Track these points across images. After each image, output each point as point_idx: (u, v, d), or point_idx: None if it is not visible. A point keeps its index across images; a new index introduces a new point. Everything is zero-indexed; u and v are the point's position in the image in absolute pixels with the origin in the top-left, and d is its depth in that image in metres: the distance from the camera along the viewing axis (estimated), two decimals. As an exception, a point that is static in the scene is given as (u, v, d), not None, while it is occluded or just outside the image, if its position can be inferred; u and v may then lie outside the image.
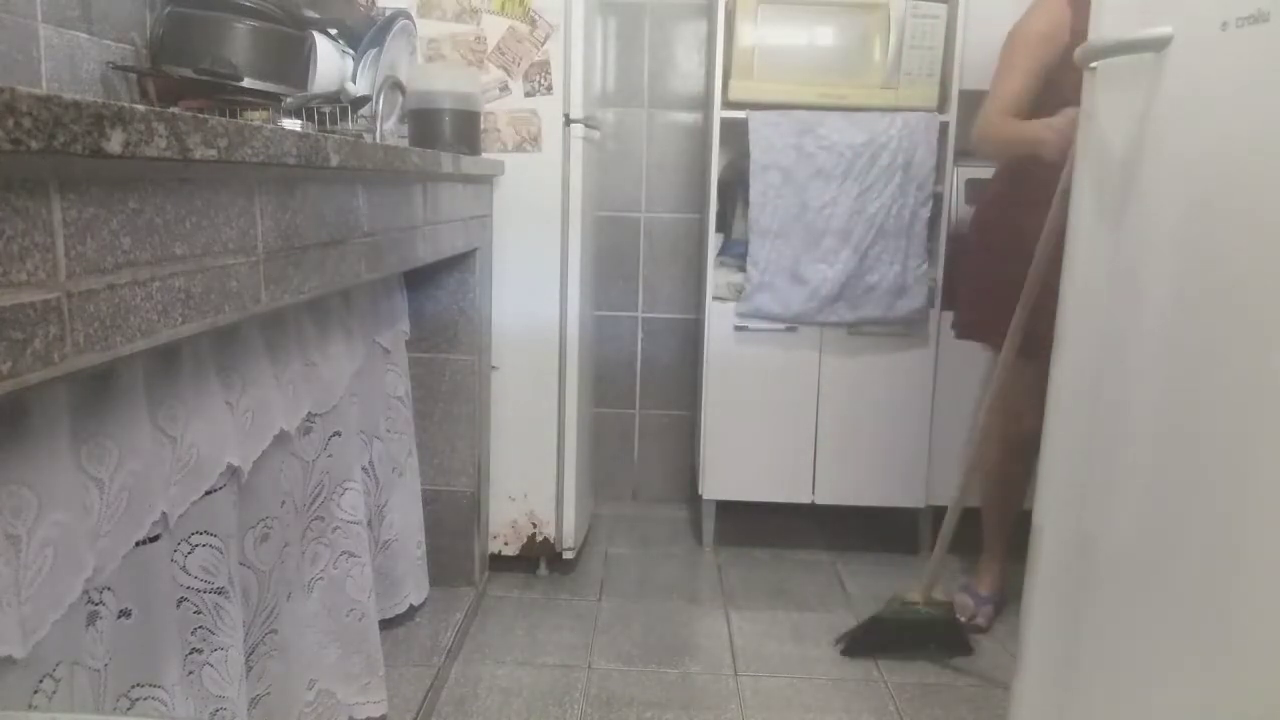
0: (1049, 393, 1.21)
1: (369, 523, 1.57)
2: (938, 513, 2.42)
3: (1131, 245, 1.02)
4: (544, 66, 2.01)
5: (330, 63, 1.61)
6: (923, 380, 2.33)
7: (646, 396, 2.77)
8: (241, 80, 1.41)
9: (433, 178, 1.52)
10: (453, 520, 2.02)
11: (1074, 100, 1.69)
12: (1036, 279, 1.68)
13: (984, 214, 2.05)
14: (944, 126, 2.25)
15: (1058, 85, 1.80)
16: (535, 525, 2.20)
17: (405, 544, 1.80)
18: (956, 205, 2.27)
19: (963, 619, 2.04)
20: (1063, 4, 1.84)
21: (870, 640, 1.92)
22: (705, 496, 2.44)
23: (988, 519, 2.13)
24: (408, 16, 1.87)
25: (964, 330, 2.12)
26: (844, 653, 1.93)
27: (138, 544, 0.88)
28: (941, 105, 2.25)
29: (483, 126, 1.97)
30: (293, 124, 1.46)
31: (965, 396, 2.34)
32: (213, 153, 0.72)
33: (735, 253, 2.39)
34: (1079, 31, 1.73)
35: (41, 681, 0.73)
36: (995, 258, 1.97)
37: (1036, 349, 1.69)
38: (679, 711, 1.70)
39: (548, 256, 2.09)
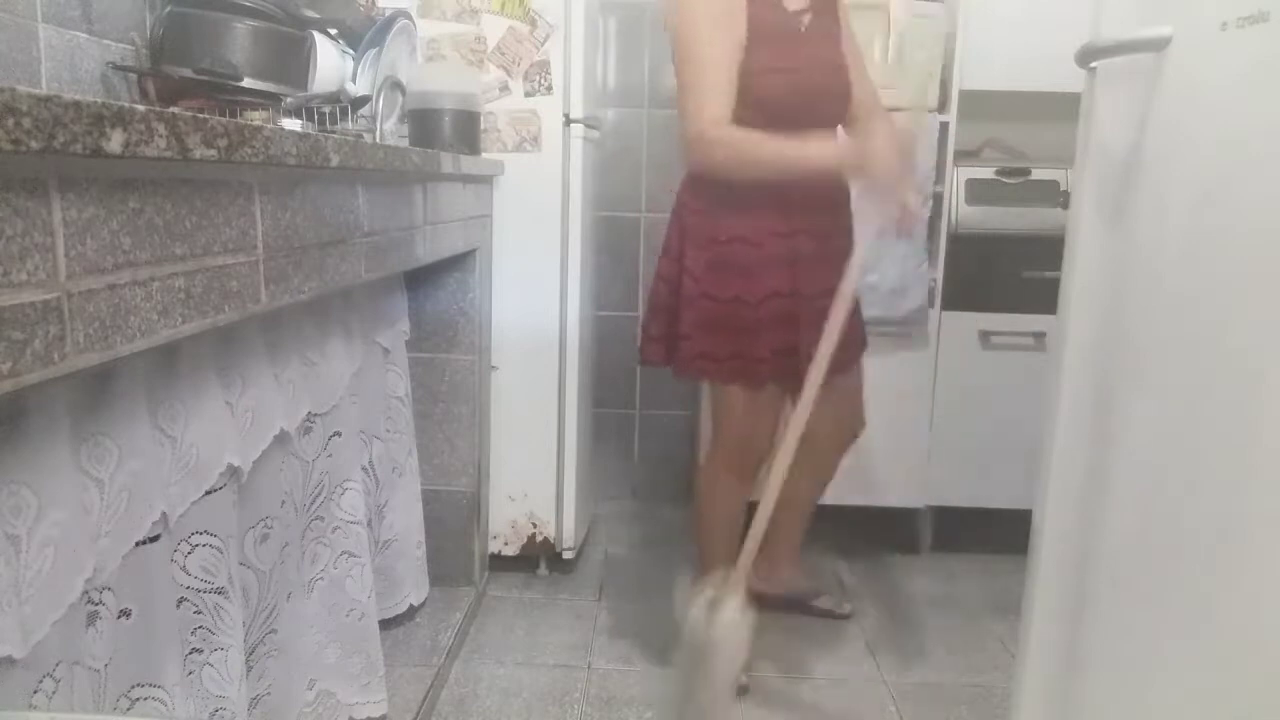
0: (1049, 392, 1.21)
1: (369, 523, 1.57)
2: (937, 513, 2.42)
3: (1131, 245, 1.02)
4: (544, 66, 2.01)
5: (330, 63, 1.61)
6: (923, 380, 2.33)
7: (646, 396, 2.77)
8: (241, 80, 1.41)
9: (433, 178, 1.52)
10: (453, 520, 2.02)
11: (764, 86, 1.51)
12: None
13: (694, 228, 1.66)
14: (944, 126, 2.25)
15: (753, 61, 1.55)
16: (535, 525, 2.20)
17: (405, 544, 1.80)
18: (956, 205, 2.27)
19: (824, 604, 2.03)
20: None
21: None
22: (705, 496, 2.44)
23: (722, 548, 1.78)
24: (408, 16, 1.87)
25: (691, 366, 1.68)
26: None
27: (138, 544, 0.88)
28: (941, 105, 2.25)
29: (483, 126, 1.97)
30: (293, 124, 1.47)
31: (966, 396, 2.33)
32: (213, 153, 0.72)
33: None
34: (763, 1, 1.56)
35: (41, 681, 0.73)
36: (718, 280, 1.63)
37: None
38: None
39: (548, 256, 2.09)
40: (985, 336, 2.31)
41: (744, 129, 1.53)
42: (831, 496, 2.38)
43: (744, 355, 1.63)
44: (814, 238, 1.63)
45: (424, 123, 1.81)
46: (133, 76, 1.45)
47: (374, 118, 1.70)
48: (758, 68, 1.55)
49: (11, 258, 0.54)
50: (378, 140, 1.69)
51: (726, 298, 1.62)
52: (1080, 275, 1.14)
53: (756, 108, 1.56)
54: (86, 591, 0.79)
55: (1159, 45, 0.95)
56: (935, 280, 2.29)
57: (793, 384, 1.61)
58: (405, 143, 1.84)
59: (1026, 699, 1.24)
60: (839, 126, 1.69)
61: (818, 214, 1.64)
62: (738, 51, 1.55)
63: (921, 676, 1.86)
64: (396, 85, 1.78)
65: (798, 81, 1.58)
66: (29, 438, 0.72)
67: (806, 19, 1.64)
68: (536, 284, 2.09)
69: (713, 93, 1.54)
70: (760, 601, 2.00)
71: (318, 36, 1.58)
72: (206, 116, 0.71)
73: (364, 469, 1.57)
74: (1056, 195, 2.25)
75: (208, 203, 0.78)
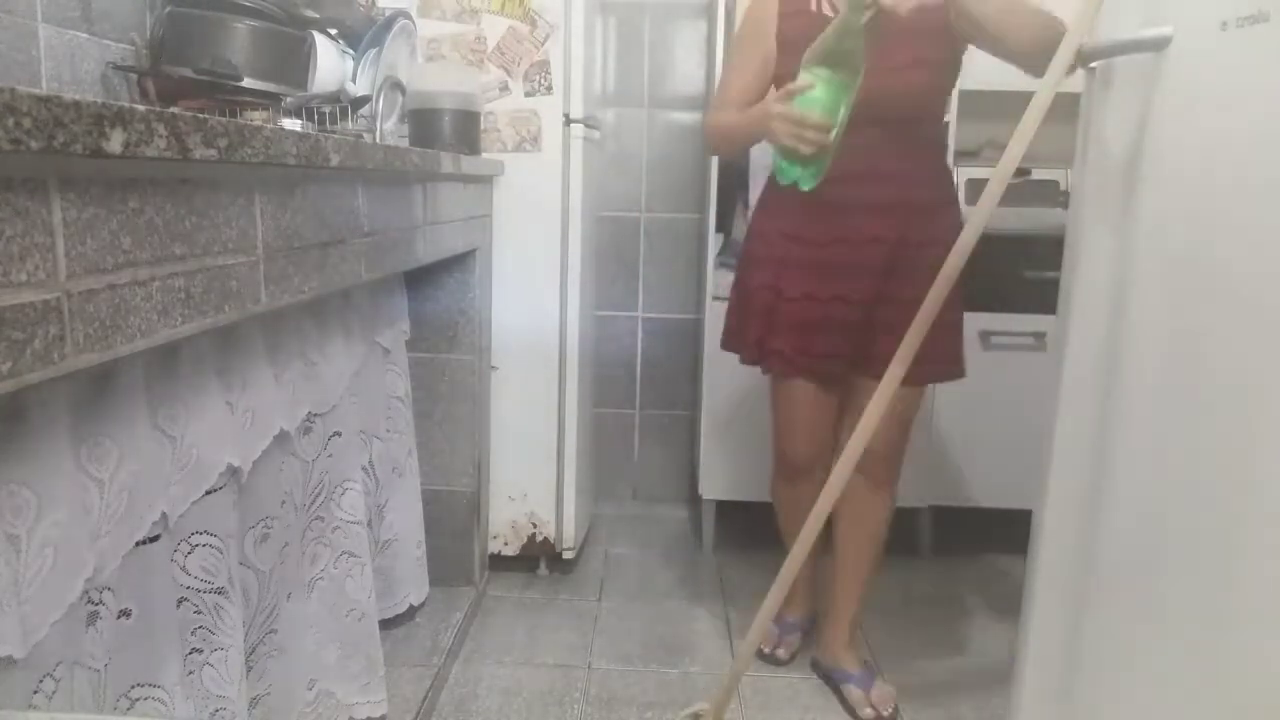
0: (1049, 392, 1.21)
1: (369, 523, 1.57)
2: (937, 513, 2.42)
3: (1131, 245, 1.02)
4: (544, 66, 2.01)
5: (330, 63, 1.61)
6: (923, 380, 2.32)
7: (646, 396, 2.77)
8: (241, 80, 1.41)
9: (433, 178, 1.52)
10: (453, 520, 2.02)
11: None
12: (938, 298, 1.33)
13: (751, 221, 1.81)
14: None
15: (791, 71, 1.50)
16: (535, 525, 2.20)
17: (405, 544, 1.80)
18: (956, 205, 2.27)
19: (764, 649, 1.87)
20: None
21: None
22: (705, 497, 2.44)
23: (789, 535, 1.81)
24: (408, 16, 1.87)
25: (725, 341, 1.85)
26: None
27: (138, 544, 0.88)
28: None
29: (483, 126, 1.97)
30: (293, 124, 1.47)
31: (965, 396, 2.33)
32: (213, 153, 0.72)
33: (735, 253, 2.39)
34: (791, 8, 1.60)
35: (41, 681, 0.73)
36: (745, 266, 1.75)
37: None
38: (679, 711, 1.70)
39: (548, 256, 2.09)
40: (985, 336, 2.31)
41: (729, 117, 1.62)
42: (831, 496, 2.38)
43: (763, 344, 1.71)
44: (850, 245, 1.59)
45: (424, 123, 1.81)
46: (133, 76, 1.45)
47: (374, 118, 1.69)
48: (788, 76, 1.50)
49: (11, 258, 0.54)
50: (378, 140, 1.69)
51: (751, 286, 1.72)
52: (1080, 275, 1.14)
53: None
54: (86, 591, 0.79)
55: (1159, 45, 0.95)
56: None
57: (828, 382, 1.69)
58: (405, 143, 1.84)
59: (1026, 699, 1.24)
60: (923, 121, 1.62)
61: (862, 220, 1.58)
62: (766, 65, 1.63)
63: (921, 676, 1.86)
64: (396, 85, 1.78)
65: None
66: (29, 438, 0.72)
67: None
68: (536, 284, 2.09)
69: (720, 104, 1.66)
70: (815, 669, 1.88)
71: (318, 36, 1.58)
72: (206, 116, 0.71)
73: (364, 469, 1.57)
74: (1056, 195, 2.25)
75: (208, 203, 0.78)
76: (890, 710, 1.69)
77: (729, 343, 1.83)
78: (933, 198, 1.63)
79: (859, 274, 1.60)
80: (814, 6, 1.61)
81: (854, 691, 1.72)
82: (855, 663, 1.77)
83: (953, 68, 1.59)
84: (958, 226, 1.48)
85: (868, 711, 1.69)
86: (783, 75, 1.59)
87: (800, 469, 1.76)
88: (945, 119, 1.71)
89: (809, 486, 1.67)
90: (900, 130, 1.58)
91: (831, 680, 1.80)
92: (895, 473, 1.73)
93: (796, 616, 1.93)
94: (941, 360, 1.63)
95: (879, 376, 1.34)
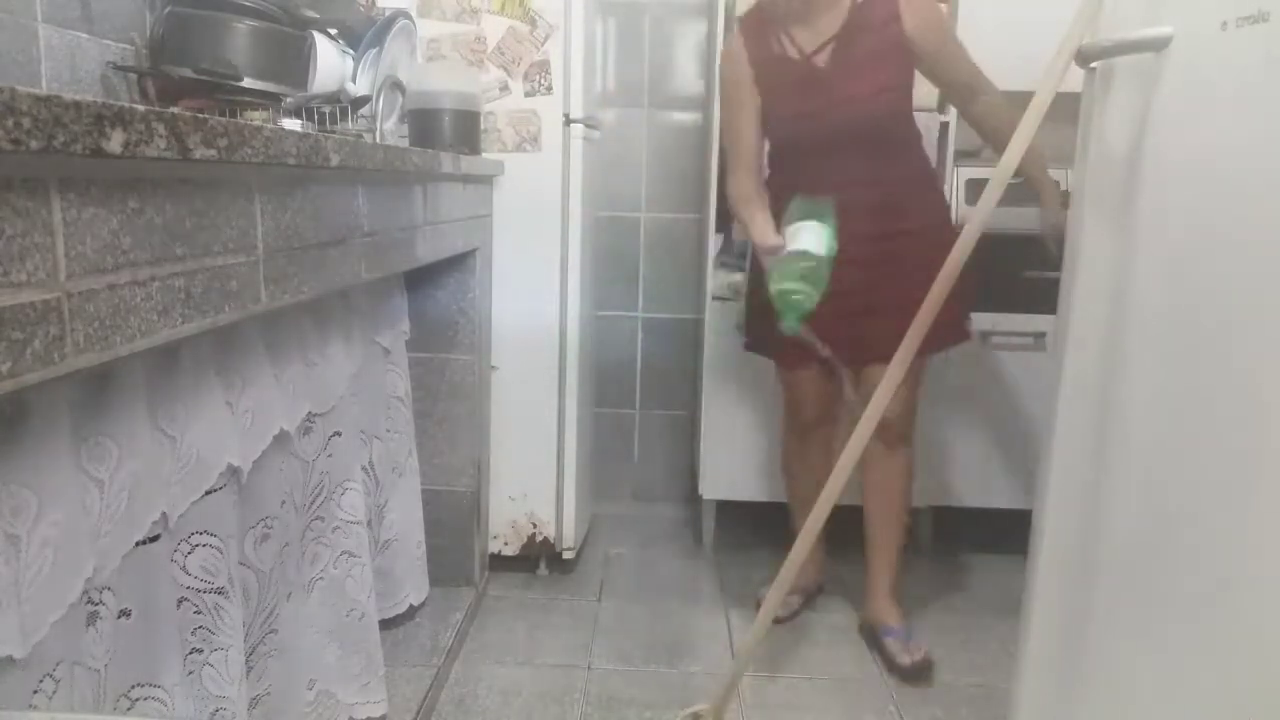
0: (1049, 392, 1.21)
1: (369, 523, 1.57)
2: (938, 513, 2.42)
3: (1131, 245, 1.02)
4: (544, 66, 2.01)
5: (330, 63, 1.61)
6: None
7: (646, 396, 2.77)
8: (241, 80, 1.41)
9: (433, 178, 1.52)
10: (453, 520, 2.02)
11: (780, 121, 1.79)
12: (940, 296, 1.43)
13: None
14: (944, 127, 2.25)
15: (771, 111, 1.81)
16: (535, 525, 2.20)
17: (405, 544, 1.80)
18: (957, 205, 2.27)
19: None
20: (735, 38, 1.83)
21: None
22: (705, 496, 2.44)
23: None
24: (408, 16, 1.87)
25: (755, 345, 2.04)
26: None
27: (138, 544, 0.88)
28: (941, 105, 2.25)
29: (483, 126, 1.97)
30: (293, 124, 1.47)
31: (964, 396, 2.34)
32: (213, 153, 0.72)
33: (735, 253, 2.39)
34: (760, 58, 1.79)
35: (41, 681, 0.73)
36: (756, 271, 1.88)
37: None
38: (679, 711, 1.70)
39: (548, 256, 2.09)
40: (985, 336, 2.31)
41: (746, 202, 1.80)
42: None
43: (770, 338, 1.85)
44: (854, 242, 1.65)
45: (424, 123, 1.81)
46: (133, 76, 1.45)
47: (374, 118, 1.70)
48: (770, 116, 1.81)
49: (11, 258, 0.54)
50: (378, 140, 1.69)
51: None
52: (1080, 275, 1.14)
53: (776, 150, 1.87)
54: (86, 591, 0.79)
55: (1159, 45, 0.95)
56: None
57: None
58: (405, 143, 1.84)
59: (1026, 699, 1.24)
60: (890, 144, 1.80)
61: (854, 221, 1.65)
62: (757, 114, 1.81)
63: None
64: (396, 85, 1.78)
65: (800, 125, 1.79)
66: (29, 438, 0.72)
67: (825, 56, 1.75)
68: (536, 284, 2.09)
69: (734, 164, 1.84)
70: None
71: (318, 36, 1.58)
72: (206, 116, 0.71)
73: (364, 469, 1.57)
74: (1056, 195, 2.24)
75: (208, 203, 0.78)
76: (922, 655, 1.83)
77: (758, 345, 2.01)
78: (912, 189, 1.82)
79: (853, 269, 1.69)
80: (777, 49, 1.78)
81: (892, 643, 1.88)
82: (896, 617, 1.93)
83: (911, 88, 1.79)
84: (941, 206, 1.88)
85: (905, 659, 1.83)
86: (768, 119, 1.82)
87: (810, 427, 1.99)
88: (913, 113, 1.86)
89: (818, 444, 1.99)
90: (874, 144, 1.77)
91: (875, 636, 1.93)
92: (909, 430, 1.91)
93: (800, 581, 2.00)
94: (945, 328, 1.71)
95: (883, 358, 1.46)
